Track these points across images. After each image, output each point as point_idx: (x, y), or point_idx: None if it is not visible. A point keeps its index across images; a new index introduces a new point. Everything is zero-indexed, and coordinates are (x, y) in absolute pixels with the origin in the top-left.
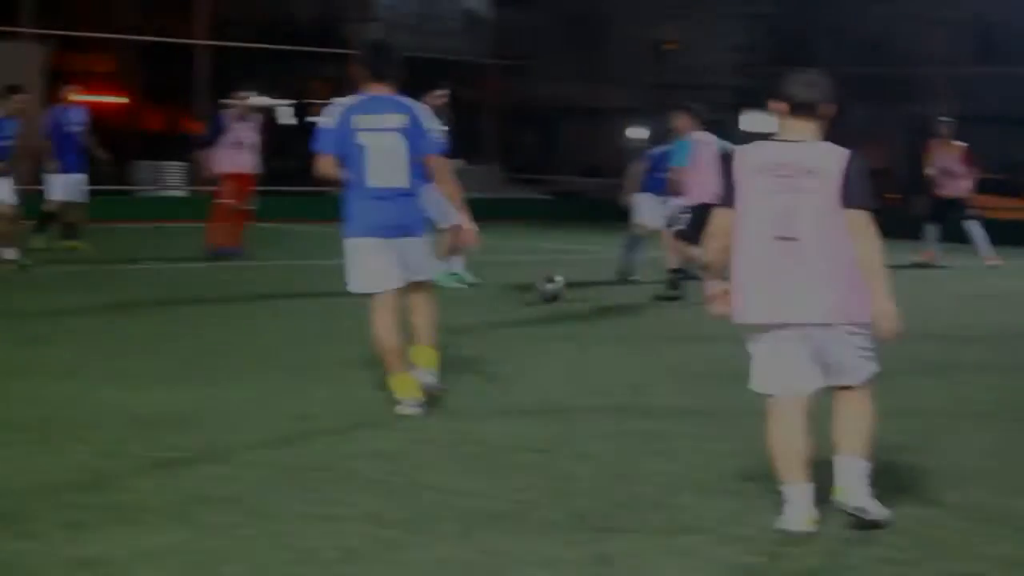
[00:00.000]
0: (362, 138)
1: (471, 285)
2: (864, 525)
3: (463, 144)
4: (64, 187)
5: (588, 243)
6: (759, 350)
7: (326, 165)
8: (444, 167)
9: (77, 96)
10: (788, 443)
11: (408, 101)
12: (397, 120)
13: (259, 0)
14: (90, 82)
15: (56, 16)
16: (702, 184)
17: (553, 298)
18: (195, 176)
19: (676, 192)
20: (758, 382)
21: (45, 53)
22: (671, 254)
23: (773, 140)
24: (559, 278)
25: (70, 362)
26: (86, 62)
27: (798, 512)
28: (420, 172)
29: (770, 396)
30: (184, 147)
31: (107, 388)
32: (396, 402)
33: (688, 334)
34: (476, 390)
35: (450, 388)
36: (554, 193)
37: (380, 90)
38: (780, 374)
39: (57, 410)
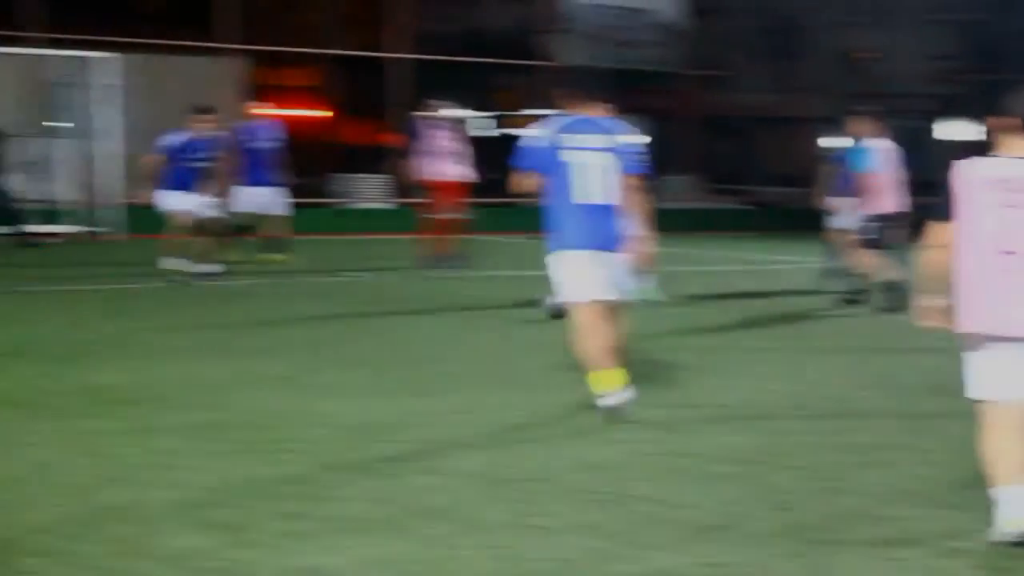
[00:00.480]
0: (570, 156)
1: (659, 303)
2: None
3: (660, 155)
4: (251, 201)
5: (786, 253)
6: (977, 357)
7: (526, 181)
8: (639, 188)
9: (265, 111)
10: (1005, 448)
11: (614, 122)
12: (604, 140)
13: (455, 13)
14: (292, 96)
15: (261, 32)
16: (882, 192)
17: (559, 315)
18: (396, 188)
19: (859, 198)
20: (975, 388)
21: (246, 68)
22: (858, 263)
23: (998, 155)
24: None
25: (282, 373)
26: (289, 77)
27: (1016, 512)
28: (621, 191)
29: (987, 402)
30: (383, 159)
31: (320, 399)
32: (598, 403)
33: (891, 345)
34: (680, 401)
35: (654, 399)
36: (752, 203)
37: (588, 110)
38: (998, 380)
39: (273, 420)
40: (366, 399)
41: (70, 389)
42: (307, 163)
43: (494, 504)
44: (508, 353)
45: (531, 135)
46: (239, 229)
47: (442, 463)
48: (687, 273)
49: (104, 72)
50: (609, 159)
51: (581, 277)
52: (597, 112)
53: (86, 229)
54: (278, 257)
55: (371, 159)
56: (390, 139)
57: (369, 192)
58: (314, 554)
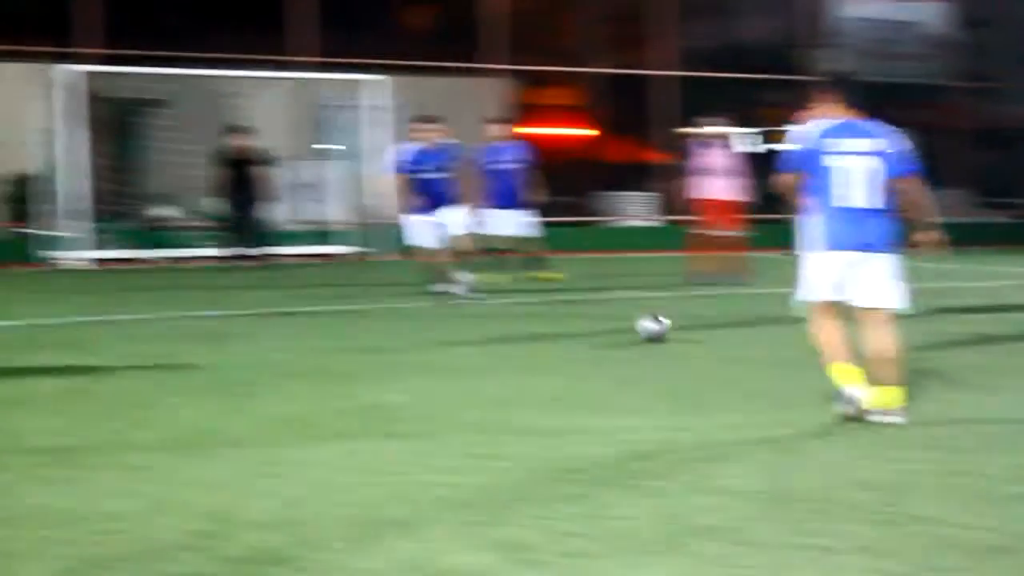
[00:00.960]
0: (832, 161)
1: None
2: None
3: (929, 169)
4: (498, 223)
5: None
6: None
7: (789, 182)
8: (912, 187)
9: (515, 131)
10: None
11: (878, 126)
12: (868, 144)
13: (718, 30)
14: (558, 116)
15: (526, 52)
16: None
17: (656, 339)
18: (662, 205)
19: None
20: None
21: (512, 88)
22: None
23: None
24: (665, 319)
25: (556, 390)
26: (554, 96)
27: None
28: (889, 195)
29: None
30: (647, 177)
31: (595, 416)
32: (839, 397)
33: None
34: (953, 418)
35: (926, 416)
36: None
37: (850, 115)
38: None
39: (550, 438)
40: (638, 416)
41: (348, 409)
42: (572, 182)
43: (770, 523)
44: (778, 370)
45: (794, 140)
46: (493, 250)
47: (715, 481)
48: (958, 288)
49: (374, 94)
50: (873, 162)
51: (821, 276)
52: (858, 116)
53: (358, 249)
54: (545, 275)
55: (636, 177)
56: (655, 157)
57: (634, 210)
58: (596, 573)
